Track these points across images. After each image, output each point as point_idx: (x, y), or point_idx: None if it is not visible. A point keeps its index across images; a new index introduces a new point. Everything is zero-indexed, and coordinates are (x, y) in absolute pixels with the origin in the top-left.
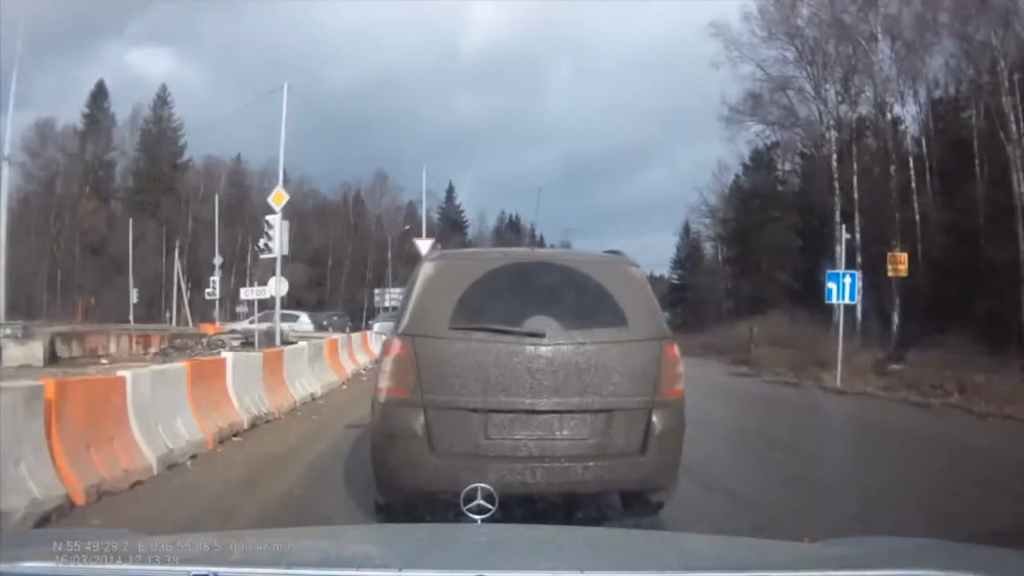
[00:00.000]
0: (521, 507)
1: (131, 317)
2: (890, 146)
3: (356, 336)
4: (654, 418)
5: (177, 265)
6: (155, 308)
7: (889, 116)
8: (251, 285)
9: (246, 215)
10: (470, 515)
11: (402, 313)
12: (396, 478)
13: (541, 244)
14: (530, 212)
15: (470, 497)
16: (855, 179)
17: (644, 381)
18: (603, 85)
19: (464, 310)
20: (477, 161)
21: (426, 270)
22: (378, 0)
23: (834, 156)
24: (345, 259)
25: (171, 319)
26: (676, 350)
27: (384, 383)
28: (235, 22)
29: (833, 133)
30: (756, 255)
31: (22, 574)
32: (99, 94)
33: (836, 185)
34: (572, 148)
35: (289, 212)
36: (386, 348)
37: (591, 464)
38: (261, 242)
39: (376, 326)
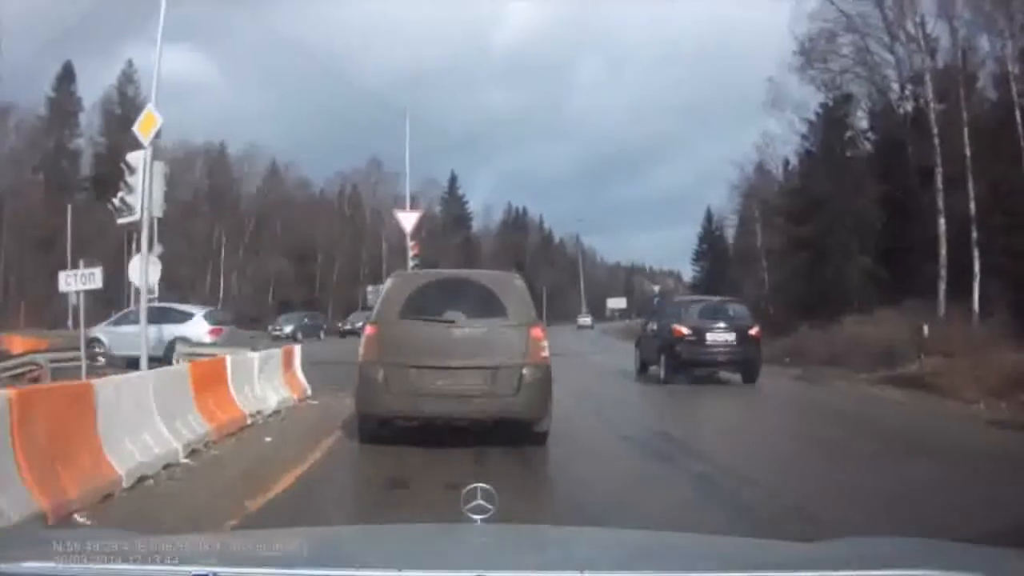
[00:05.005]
0: (455, 428)
1: (69, 322)
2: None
3: (275, 354)
4: (524, 372)
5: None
6: (116, 309)
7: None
8: (82, 269)
9: (226, 206)
10: (470, 515)
11: (375, 308)
12: (367, 407)
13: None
14: (539, 206)
15: (470, 497)
16: (965, 132)
17: (517, 350)
18: (622, 81)
19: (409, 307)
20: (483, 155)
21: (388, 283)
22: None
23: (932, 107)
24: (337, 255)
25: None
26: (539, 331)
27: (361, 351)
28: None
29: (928, 79)
30: (829, 237)
31: (22, 574)
32: (65, 77)
33: (936, 143)
34: (587, 143)
35: (280, 204)
36: (364, 329)
37: (484, 400)
38: (119, 196)
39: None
